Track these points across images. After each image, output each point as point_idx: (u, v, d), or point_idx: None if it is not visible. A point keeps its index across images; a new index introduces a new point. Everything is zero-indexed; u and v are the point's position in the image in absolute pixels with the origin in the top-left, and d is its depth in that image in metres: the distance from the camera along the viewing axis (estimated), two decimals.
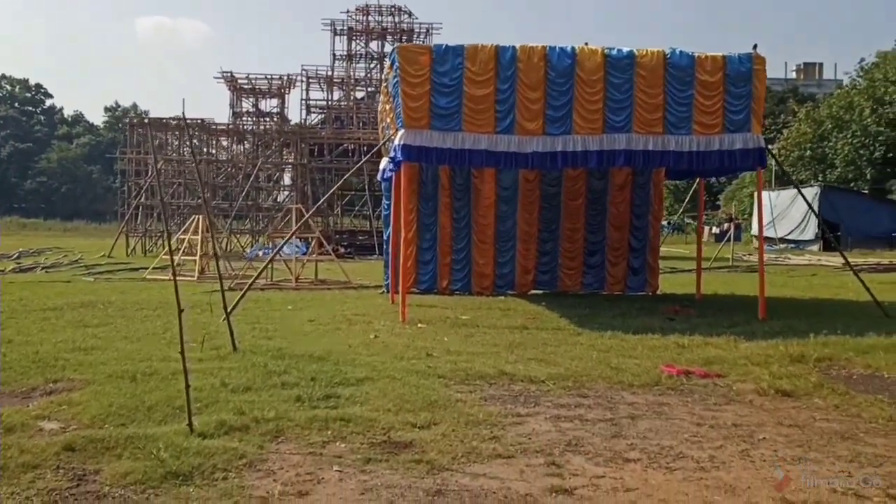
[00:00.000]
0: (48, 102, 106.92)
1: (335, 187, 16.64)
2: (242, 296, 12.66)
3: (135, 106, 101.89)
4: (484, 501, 4.91)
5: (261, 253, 32.30)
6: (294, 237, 25.51)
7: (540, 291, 18.16)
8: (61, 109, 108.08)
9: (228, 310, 10.19)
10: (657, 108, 13.30)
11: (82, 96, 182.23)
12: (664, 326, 12.30)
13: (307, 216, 15.43)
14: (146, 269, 23.57)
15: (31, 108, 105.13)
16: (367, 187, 39.19)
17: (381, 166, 17.58)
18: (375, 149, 17.35)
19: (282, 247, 16.44)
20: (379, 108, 17.00)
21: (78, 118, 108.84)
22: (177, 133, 35.79)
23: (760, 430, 6.64)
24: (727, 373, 8.85)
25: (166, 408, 6.76)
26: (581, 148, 13.37)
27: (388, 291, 17.21)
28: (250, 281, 13.56)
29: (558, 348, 10.32)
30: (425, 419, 6.65)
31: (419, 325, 12.53)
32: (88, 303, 14.66)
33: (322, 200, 15.48)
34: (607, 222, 18.46)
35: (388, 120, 14.94)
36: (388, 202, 17.71)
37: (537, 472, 5.48)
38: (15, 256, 30.48)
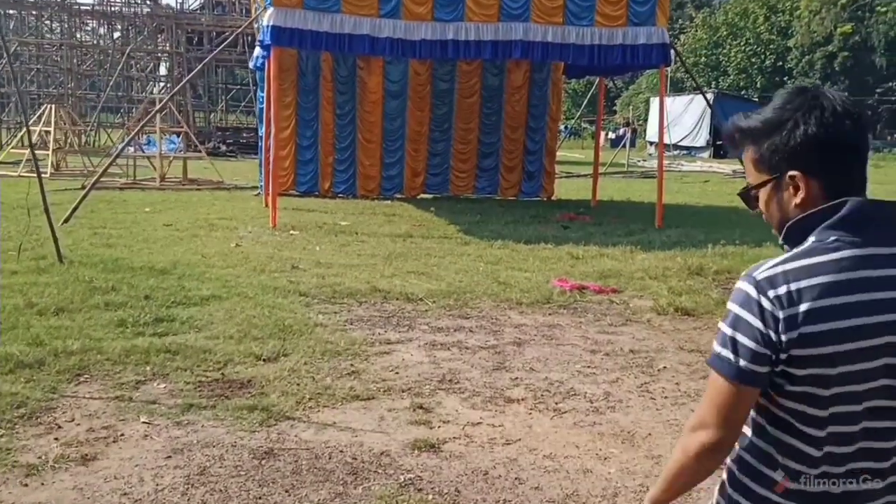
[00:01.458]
0: None
1: (191, 75, 14.65)
2: (84, 196, 11.00)
3: None
4: (326, 464, 3.86)
5: (132, 149, 29.72)
6: (167, 132, 23.35)
7: (430, 196, 17.03)
8: None
9: (55, 213, 8.60)
10: None
11: None
12: (558, 235, 11.47)
13: (160, 105, 13.53)
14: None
15: None
16: (251, 81, 36.54)
17: (255, 53, 15.73)
18: (235, 33, 15.47)
19: (128, 142, 14.62)
20: None
21: None
22: (35, 13, 31.94)
23: (660, 357, 5.84)
24: (623, 288, 8.06)
25: None
26: (474, 37, 12.05)
27: (262, 193, 15.70)
28: (94, 179, 11.83)
29: (442, 259, 9.30)
30: (273, 349, 5.52)
31: (291, 231, 11.25)
32: None
33: (176, 89, 13.59)
34: (503, 123, 17.31)
35: (260, 1, 13.12)
36: (262, 94, 15.97)
37: (400, 419, 4.46)
38: None
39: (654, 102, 33.95)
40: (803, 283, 1.38)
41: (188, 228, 11.05)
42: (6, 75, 31.23)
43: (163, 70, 37.73)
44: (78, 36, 35.54)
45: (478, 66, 16.55)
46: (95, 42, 36.29)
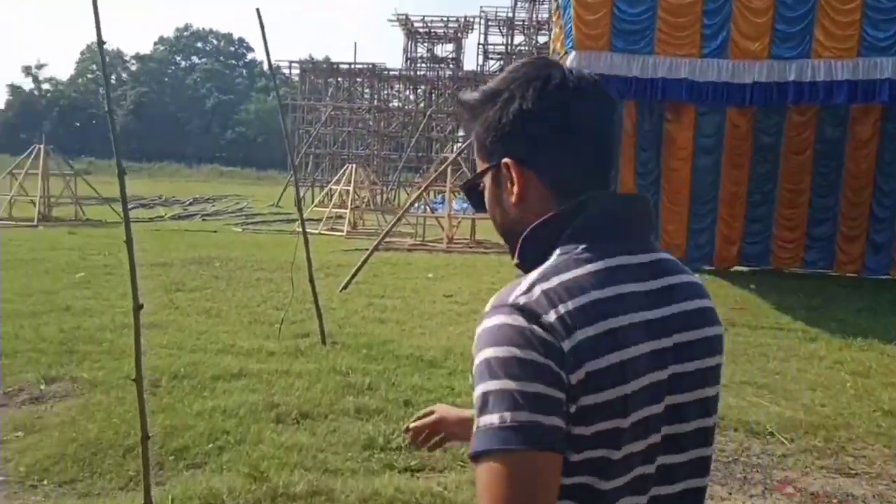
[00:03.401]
0: (249, 56, 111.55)
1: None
2: (365, 261, 10.24)
3: (327, 58, 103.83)
4: None
5: (422, 208, 30.30)
6: (457, 191, 23.11)
7: (746, 268, 14.42)
8: (260, 63, 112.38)
9: (338, 275, 7.73)
10: None
11: (281, 50, 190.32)
12: None
13: (447, 163, 12.61)
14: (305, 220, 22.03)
15: (233, 62, 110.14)
16: None
17: None
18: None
19: (413, 202, 13.95)
20: (552, 36, 13.87)
21: (275, 71, 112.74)
22: (350, 79, 34.31)
23: None
24: None
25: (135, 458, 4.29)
26: (824, 77, 9.60)
27: None
28: (376, 242, 11.09)
29: (786, 364, 6.98)
30: None
31: None
32: (205, 259, 12.88)
33: (464, 146, 12.62)
34: (842, 184, 14.25)
35: (558, 46, 11.80)
36: None
37: None
38: (187, 203, 30.36)
39: None
40: (571, 305, 1.00)
41: (468, 301, 9.78)
42: (324, 138, 33.63)
43: (461, 130, 38.62)
44: (385, 99, 37.58)
45: (812, 115, 13.78)
46: (401, 105, 38.11)
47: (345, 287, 10.16)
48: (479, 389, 0.98)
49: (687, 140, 14.26)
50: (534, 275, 1.05)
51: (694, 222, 14.51)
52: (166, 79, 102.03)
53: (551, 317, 0.99)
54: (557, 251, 1.09)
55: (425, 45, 36.60)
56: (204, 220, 23.07)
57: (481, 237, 18.05)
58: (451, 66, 36.41)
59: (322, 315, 7.09)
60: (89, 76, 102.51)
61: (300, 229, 7.41)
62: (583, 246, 1.08)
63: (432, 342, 7.26)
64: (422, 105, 37.39)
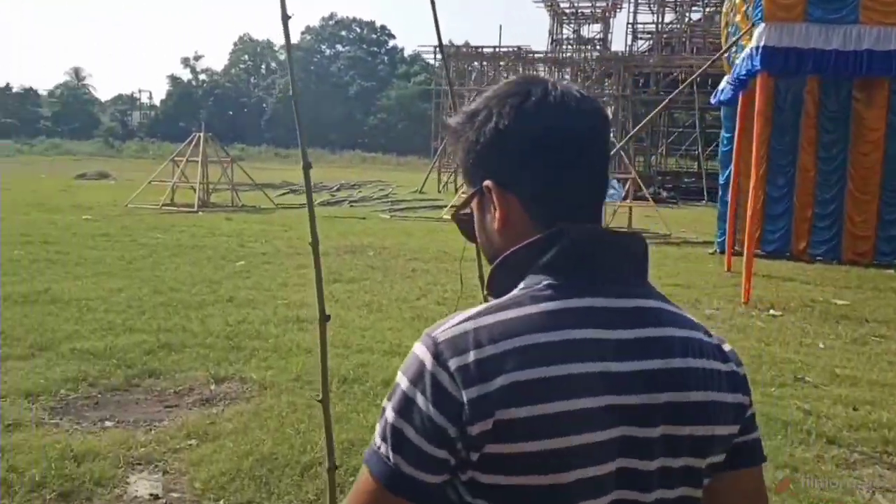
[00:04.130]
0: (391, 43, 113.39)
1: (652, 113, 12.65)
2: None
3: (467, 44, 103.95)
4: None
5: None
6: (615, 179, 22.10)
7: None
8: (402, 49, 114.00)
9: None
10: None
11: (421, 36, 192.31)
12: None
13: (618, 146, 11.75)
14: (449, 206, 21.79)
15: (375, 49, 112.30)
16: (696, 123, 34.13)
17: (720, 87, 13.33)
18: (707, 65, 13.20)
19: None
20: (724, 9, 12.72)
21: (416, 57, 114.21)
22: (494, 63, 33.74)
23: None
24: None
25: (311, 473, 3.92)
26: None
27: (721, 251, 13.19)
28: None
29: None
30: None
31: (770, 311, 8.58)
32: (358, 247, 12.74)
33: (635, 130, 11.78)
34: None
35: (738, 17, 10.72)
36: (727, 135, 13.48)
37: None
38: (334, 188, 30.87)
39: None
40: (501, 347, 0.94)
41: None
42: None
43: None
44: None
45: None
46: None
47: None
48: (385, 403, 0.99)
49: (879, 120, 12.84)
50: (477, 308, 1.01)
51: (885, 213, 13.05)
52: (311, 67, 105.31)
53: (468, 359, 0.94)
54: (521, 284, 1.03)
55: (571, 26, 35.51)
56: (352, 206, 23.26)
57: (638, 226, 17.06)
58: (597, 47, 35.15)
59: None
60: (241, 66, 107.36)
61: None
62: (546, 282, 1.01)
63: None
64: None
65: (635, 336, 0.99)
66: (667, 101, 14.70)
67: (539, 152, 1.03)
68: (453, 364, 0.94)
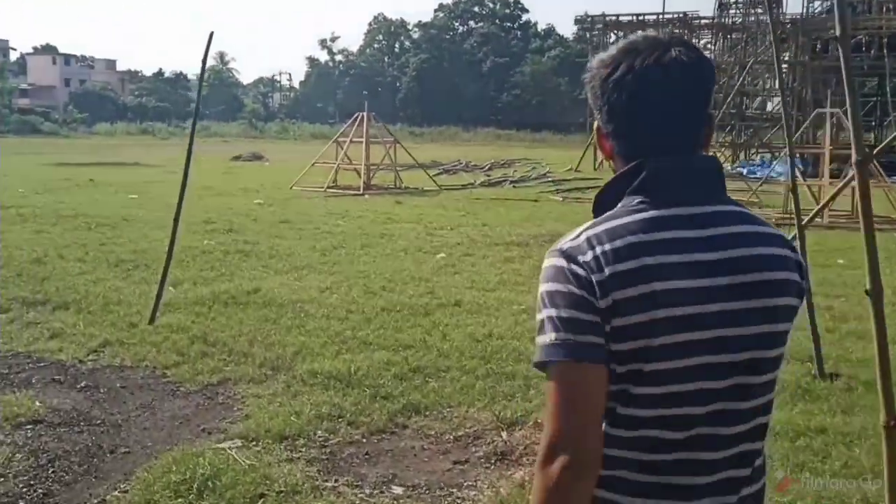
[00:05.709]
0: (524, 17, 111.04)
1: None
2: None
3: (602, 15, 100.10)
4: None
5: (744, 171, 26.95)
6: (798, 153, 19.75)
7: None
8: (535, 24, 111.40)
9: None
10: None
11: (555, 9, 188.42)
12: None
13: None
14: None
15: (508, 24, 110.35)
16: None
17: None
18: None
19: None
20: None
21: (549, 31, 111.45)
22: (654, 31, 31.38)
23: None
24: None
25: None
26: None
27: None
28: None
29: None
30: None
31: None
32: (556, 235, 11.45)
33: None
34: None
35: None
36: None
37: None
38: (486, 168, 29.77)
39: None
40: (608, 246, 1.23)
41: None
42: None
43: (776, 83, 34.27)
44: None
45: None
46: (712, 57, 34.40)
47: None
48: (537, 316, 1.25)
49: None
50: (588, 224, 1.28)
51: None
52: (444, 44, 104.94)
53: (588, 256, 1.22)
54: (620, 203, 1.28)
55: None
56: (515, 186, 22.04)
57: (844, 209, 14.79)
58: (770, 9, 32.16)
59: (818, 334, 5.16)
60: (376, 46, 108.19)
61: None
62: (638, 199, 1.27)
63: None
64: (726, 57, 33.45)
65: (715, 233, 1.26)
66: None
67: (634, 105, 1.27)
68: (581, 259, 1.22)
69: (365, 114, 19.92)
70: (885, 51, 28.63)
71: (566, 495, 1.15)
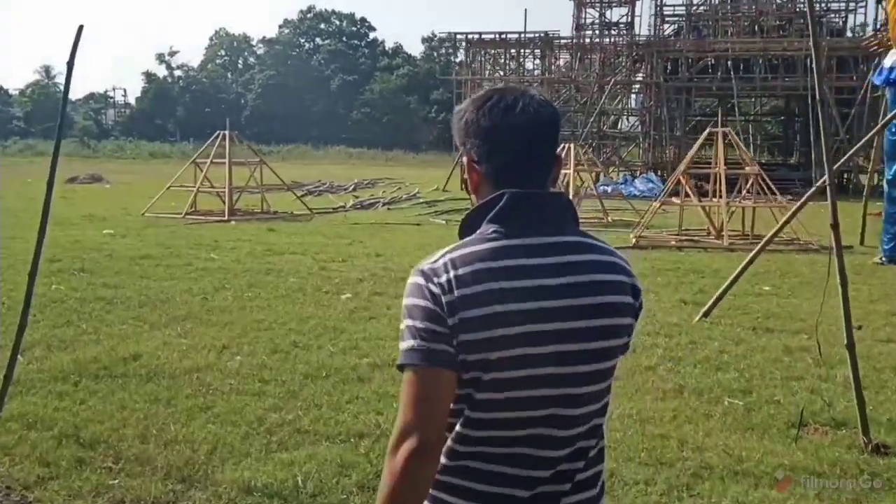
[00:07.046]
0: (371, 35, 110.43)
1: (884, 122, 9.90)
2: (738, 276, 7.45)
3: (451, 35, 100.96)
4: None
5: (608, 189, 27.12)
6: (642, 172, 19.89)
7: None
8: (383, 42, 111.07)
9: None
10: None
11: (402, 28, 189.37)
12: None
13: (866, 138, 9.18)
14: None
15: (356, 42, 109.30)
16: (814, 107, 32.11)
17: (885, 63, 11.21)
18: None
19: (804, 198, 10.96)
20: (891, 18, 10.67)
21: (397, 50, 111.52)
22: (518, 49, 31.41)
23: None
24: None
25: None
26: None
27: (890, 261, 11.16)
28: (757, 246, 8.22)
29: None
30: None
31: None
32: None
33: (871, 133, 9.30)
34: None
35: None
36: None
37: None
38: (350, 188, 28.45)
39: None
40: (460, 271, 1.44)
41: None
42: None
43: (632, 102, 35.18)
44: (552, 70, 34.43)
45: None
46: (570, 76, 34.73)
47: (706, 314, 7.49)
48: (401, 325, 1.47)
49: None
50: (450, 247, 1.50)
51: None
52: (290, 61, 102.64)
53: (443, 279, 1.43)
54: (479, 230, 1.51)
55: (596, 9, 33.22)
56: (389, 209, 20.91)
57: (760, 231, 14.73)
58: (623, 31, 32.98)
59: (862, 394, 4.36)
60: (217, 62, 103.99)
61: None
62: (493, 228, 1.49)
63: None
64: (596, 76, 33.90)
65: (560, 261, 1.48)
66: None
67: (496, 142, 1.52)
68: (436, 280, 1.43)
69: (227, 132, 18.16)
70: (731, 73, 29.97)
71: (410, 476, 1.38)
